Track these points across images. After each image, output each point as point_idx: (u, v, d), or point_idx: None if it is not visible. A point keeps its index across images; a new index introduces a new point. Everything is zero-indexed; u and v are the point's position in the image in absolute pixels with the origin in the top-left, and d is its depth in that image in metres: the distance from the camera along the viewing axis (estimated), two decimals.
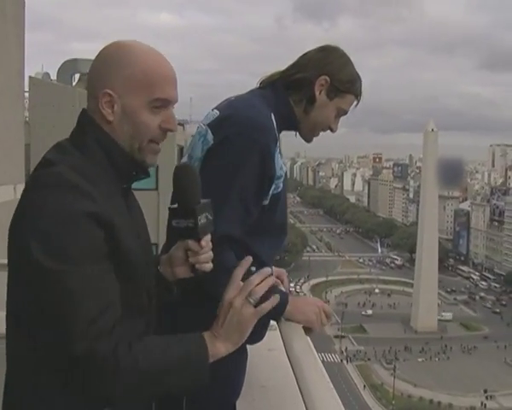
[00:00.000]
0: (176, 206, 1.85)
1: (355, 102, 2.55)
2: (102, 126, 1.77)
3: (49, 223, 1.57)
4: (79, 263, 1.58)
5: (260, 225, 2.34)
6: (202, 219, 1.85)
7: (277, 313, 2.31)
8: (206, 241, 1.89)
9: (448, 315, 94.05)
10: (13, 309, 1.69)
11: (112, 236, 1.65)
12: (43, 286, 1.57)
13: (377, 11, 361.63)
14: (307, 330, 2.30)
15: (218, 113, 2.38)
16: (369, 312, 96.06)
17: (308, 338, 2.22)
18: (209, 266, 1.91)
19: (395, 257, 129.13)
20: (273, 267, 2.82)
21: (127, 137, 1.78)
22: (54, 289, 1.57)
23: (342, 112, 2.53)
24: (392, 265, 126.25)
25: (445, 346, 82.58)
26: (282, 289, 2.46)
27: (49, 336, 1.59)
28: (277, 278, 2.74)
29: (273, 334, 2.35)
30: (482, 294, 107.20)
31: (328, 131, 2.59)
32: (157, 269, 1.99)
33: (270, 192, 2.35)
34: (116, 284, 1.66)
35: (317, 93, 2.48)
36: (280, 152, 2.37)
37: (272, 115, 2.38)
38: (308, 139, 2.60)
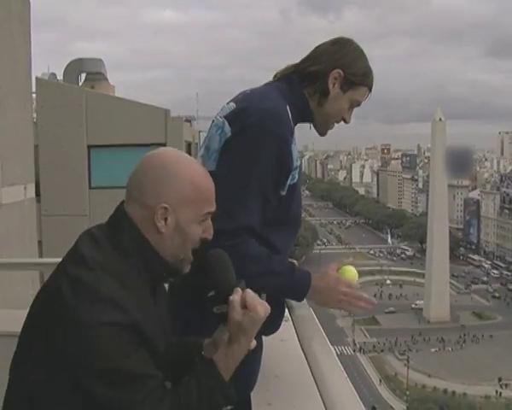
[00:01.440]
0: (213, 294, 1.87)
1: (368, 94, 2.55)
2: (148, 234, 1.83)
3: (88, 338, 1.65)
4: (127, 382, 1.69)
5: (278, 216, 2.36)
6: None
7: (300, 297, 2.35)
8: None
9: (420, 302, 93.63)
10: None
11: (143, 343, 1.73)
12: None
13: (383, 1, 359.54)
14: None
15: (234, 105, 2.41)
16: (419, 302, 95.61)
17: (321, 329, 2.23)
18: (253, 343, 1.89)
19: (406, 248, 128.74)
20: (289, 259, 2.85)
21: (176, 248, 1.85)
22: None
23: (356, 103, 2.55)
24: (403, 256, 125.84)
25: (462, 335, 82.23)
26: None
27: None
28: None
29: (285, 324, 2.35)
30: (494, 283, 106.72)
31: (342, 122, 2.60)
32: (200, 354, 1.99)
33: (288, 183, 2.37)
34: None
35: (330, 86, 2.49)
36: (295, 143, 2.39)
37: (288, 107, 2.40)
38: (322, 132, 2.60)
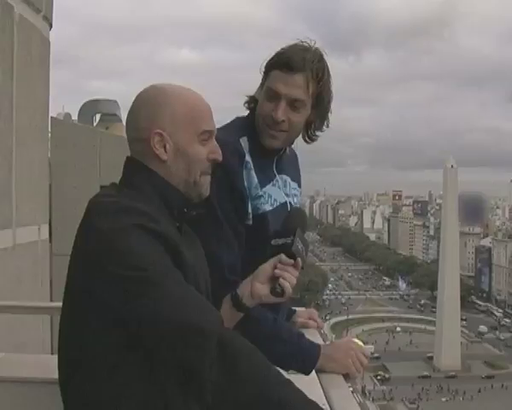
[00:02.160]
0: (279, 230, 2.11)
1: (281, 74, 2.35)
2: (155, 167, 1.82)
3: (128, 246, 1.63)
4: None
5: (254, 251, 2.28)
6: (298, 244, 2.00)
7: (307, 368, 2.23)
8: (298, 263, 1.98)
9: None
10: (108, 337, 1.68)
11: (176, 255, 1.71)
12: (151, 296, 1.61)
13: (407, 43, 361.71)
14: (346, 376, 2.21)
15: None
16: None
17: (347, 385, 2.14)
18: (290, 288, 1.96)
19: (416, 295, 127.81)
20: (301, 309, 2.78)
21: (183, 174, 1.84)
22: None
23: (271, 92, 2.37)
24: (413, 303, 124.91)
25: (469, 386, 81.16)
26: (316, 340, 2.38)
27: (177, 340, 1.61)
28: (309, 318, 2.69)
29: (311, 380, 2.26)
30: (506, 331, 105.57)
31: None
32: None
33: (249, 211, 2.34)
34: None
35: (256, 94, 2.47)
36: (250, 171, 2.36)
37: (245, 138, 2.38)
38: (268, 142, 2.43)
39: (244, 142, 2.39)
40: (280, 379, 1.64)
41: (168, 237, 1.69)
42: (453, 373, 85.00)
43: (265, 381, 1.60)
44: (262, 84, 2.45)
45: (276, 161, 2.52)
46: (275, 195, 2.46)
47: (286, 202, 2.50)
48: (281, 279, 1.95)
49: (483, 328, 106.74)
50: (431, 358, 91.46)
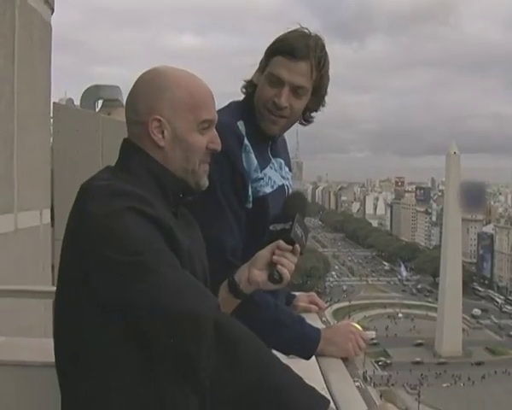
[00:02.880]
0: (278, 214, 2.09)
1: (285, 60, 2.36)
2: (152, 152, 1.80)
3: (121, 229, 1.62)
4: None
5: (253, 233, 2.32)
6: (297, 229, 1.97)
7: (308, 352, 2.24)
8: (296, 249, 1.96)
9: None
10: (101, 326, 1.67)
11: (171, 239, 1.69)
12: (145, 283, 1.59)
13: (411, 29, 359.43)
14: (345, 359, 2.22)
15: None
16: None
17: (346, 370, 2.15)
18: (288, 274, 1.94)
19: (418, 281, 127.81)
20: (302, 293, 2.79)
21: (181, 161, 1.82)
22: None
23: (274, 78, 2.38)
24: (415, 289, 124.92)
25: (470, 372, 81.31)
26: (317, 324, 2.40)
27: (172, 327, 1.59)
28: (311, 302, 2.70)
29: (309, 363, 2.27)
30: (507, 318, 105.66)
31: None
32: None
33: (250, 194, 2.35)
34: None
35: (254, 76, 2.48)
36: (250, 154, 2.38)
37: (242, 122, 2.39)
38: (267, 128, 2.46)
39: (241, 125, 2.41)
40: (278, 365, 1.63)
41: (163, 222, 1.68)
42: (443, 360, 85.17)
43: (264, 367, 1.59)
44: (261, 69, 2.45)
45: (270, 145, 2.54)
46: (273, 177, 2.48)
47: (283, 185, 2.54)
48: (279, 266, 1.94)
49: (476, 311, 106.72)
50: (420, 344, 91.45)
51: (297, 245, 1.97)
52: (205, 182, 1.90)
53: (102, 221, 1.62)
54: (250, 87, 2.51)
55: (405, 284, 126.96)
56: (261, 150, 2.47)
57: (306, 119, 2.57)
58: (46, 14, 5.73)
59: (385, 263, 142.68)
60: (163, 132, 1.79)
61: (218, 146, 1.89)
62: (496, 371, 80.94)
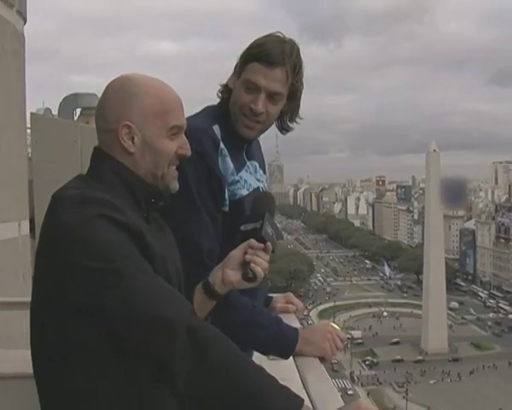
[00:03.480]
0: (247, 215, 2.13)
1: (261, 67, 2.36)
2: (122, 159, 1.81)
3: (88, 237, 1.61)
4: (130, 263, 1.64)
5: (228, 236, 2.29)
6: (268, 228, 2.00)
7: (287, 352, 2.25)
8: (268, 247, 1.98)
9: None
10: (78, 333, 1.66)
11: (143, 245, 1.69)
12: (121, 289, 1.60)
13: (387, 28, 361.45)
14: (322, 359, 2.23)
15: None
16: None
17: (323, 368, 2.16)
18: (262, 272, 1.95)
19: (402, 279, 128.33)
20: (279, 295, 2.80)
21: (150, 167, 1.82)
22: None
23: (250, 84, 2.39)
24: (399, 287, 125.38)
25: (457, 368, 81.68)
26: (294, 324, 2.41)
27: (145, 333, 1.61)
28: (287, 302, 2.72)
29: (286, 363, 2.29)
30: (491, 313, 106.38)
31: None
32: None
33: (227, 197, 2.38)
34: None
35: (229, 81, 2.49)
36: (226, 158, 2.39)
37: (217, 126, 2.40)
38: (243, 132, 2.47)
39: (217, 129, 2.42)
40: (251, 367, 1.64)
41: (134, 228, 1.68)
42: (420, 358, 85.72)
43: (237, 369, 1.60)
44: (237, 74, 2.46)
45: (245, 148, 2.56)
46: (249, 180, 2.51)
47: (258, 188, 2.56)
48: (252, 264, 1.95)
49: (454, 304, 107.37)
50: (418, 341, 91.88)
51: (268, 243, 1.98)
52: (175, 186, 1.90)
53: (74, 229, 1.62)
54: (226, 92, 2.52)
55: (389, 282, 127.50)
56: (236, 154, 2.48)
57: (285, 127, 2.59)
58: (18, 24, 5.71)
59: (368, 262, 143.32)
60: (133, 139, 1.80)
61: (187, 151, 1.89)
62: (484, 366, 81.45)
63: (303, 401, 1.61)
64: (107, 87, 1.86)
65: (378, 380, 79.82)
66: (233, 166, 2.42)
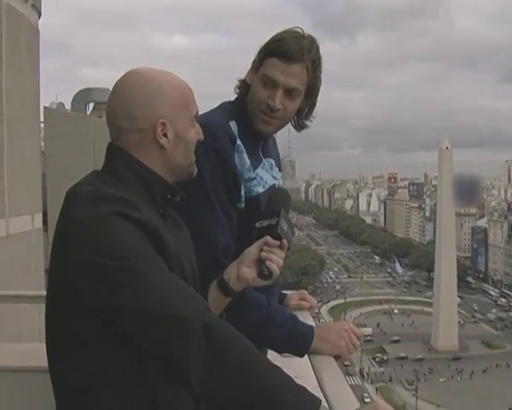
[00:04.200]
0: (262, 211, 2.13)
1: (279, 64, 2.35)
2: (151, 156, 1.82)
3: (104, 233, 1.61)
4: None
5: (244, 232, 2.28)
6: (284, 224, 2.00)
7: (302, 350, 2.24)
8: (284, 244, 1.97)
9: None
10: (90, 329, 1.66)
11: (158, 242, 1.69)
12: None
13: (401, 24, 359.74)
14: (337, 357, 2.22)
15: None
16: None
17: (338, 367, 2.14)
18: (277, 269, 1.95)
19: (413, 276, 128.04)
20: (293, 292, 2.79)
21: (181, 158, 1.86)
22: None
23: (268, 80, 2.37)
24: (410, 284, 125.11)
25: (467, 366, 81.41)
26: (309, 321, 2.39)
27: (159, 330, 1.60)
28: (301, 300, 2.70)
29: (301, 361, 2.27)
30: (502, 311, 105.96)
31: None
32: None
33: (243, 194, 2.36)
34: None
35: (247, 77, 2.47)
36: (242, 154, 2.39)
37: (234, 122, 2.39)
38: (261, 127, 2.46)
39: (234, 125, 2.41)
40: (268, 366, 1.62)
41: (149, 224, 1.67)
42: (421, 356, 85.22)
43: (253, 368, 1.59)
44: (255, 69, 2.44)
45: (261, 145, 2.55)
46: (265, 177, 2.49)
47: (274, 185, 2.54)
48: (267, 262, 1.94)
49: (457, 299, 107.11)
50: (429, 338, 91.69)
51: (284, 240, 1.97)
52: (195, 170, 1.93)
53: (88, 227, 1.62)
54: (243, 87, 2.50)
55: (401, 279, 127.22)
56: (253, 150, 2.47)
57: (301, 124, 2.57)
58: (33, 18, 5.72)
59: (378, 259, 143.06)
60: (166, 134, 1.81)
61: (201, 135, 1.92)
62: (497, 365, 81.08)
63: (320, 401, 1.60)
64: (121, 85, 1.84)
65: (390, 377, 79.56)
66: (249, 162, 2.41)
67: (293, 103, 2.41)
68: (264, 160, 2.54)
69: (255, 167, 2.45)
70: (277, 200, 2.14)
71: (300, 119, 2.55)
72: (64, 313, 1.69)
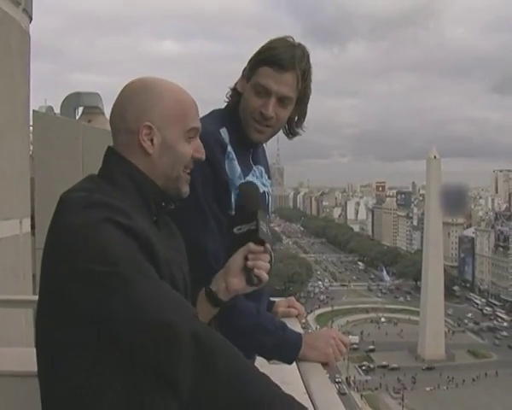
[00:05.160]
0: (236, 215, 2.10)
1: (272, 73, 2.37)
2: (138, 160, 1.82)
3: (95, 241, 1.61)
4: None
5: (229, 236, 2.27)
6: (263, 226, 1.95)
7: (290, 358, 2.25)
8: (267, 248, 1.95)
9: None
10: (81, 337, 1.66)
11: (148, 249, 1.68)
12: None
13: (392, 33, 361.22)
14: (325, 364, 2.23)
15: None
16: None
17: (326, 374, 2.16)
18: (266, 276, 1.94)
19: (400, 285, 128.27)
20: (281, 299, 2.80)
21: (167, 168, 1.84)
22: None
23: (261, 88, 2.40)
24: (397, 293, 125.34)
25: (453, 375, 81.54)
26: (297, 328, 2.40)
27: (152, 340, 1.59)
28: (289, 307, 2.71)
29: (289, 367, 2.28)
30: (488, 321, 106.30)
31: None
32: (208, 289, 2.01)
33: (233, 201, 2.36)
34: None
35: (238, 85, 2.49)
36: (233, 161, 2.40)
37: (225, 129, 2.41)
38: (253, 136, 2.48)
39: (224, 133, 2.42)
40: (257, 375, 1.63)
41: (140, 233, 1.67)
42: (395, 365, 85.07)
43: (242, 377, 1.60)
44: (246, 78, 2.46)
45: (252, 153, 2.57)
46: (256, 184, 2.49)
47: (264, 192, 2.56)
48: (255, 270, 1.94)
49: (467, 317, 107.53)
50: (415, 347, 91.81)
51: (267, 244, 1.96)
52: (186, 190, 1.91)
53: (78, 233, 1.62)
54: (234, 95, 2.52)
55: (387, 288, 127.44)
56: (243, 158, 2.48)
57: (292, 132, 2.60)
58: (24, 22, 5.70)
59: (364, 266, 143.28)
60: (152, 140, 1.82)
61: (202, 155, 1.92)
62: (486, 374, 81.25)
63: (307, 409, 1.61)
64: (125, 88, 1.87)
65: (376, 386, 79.56)
66: (240, 170, 2.42)
67: (284, 111, 2.44)
68: (254, 167, 2.56)
69: (246, 175, 2.46)
70: (249, 198, 2.14)
71: (291, 127, 2.58)
72: (54, 318, 1.69)
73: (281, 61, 2.36)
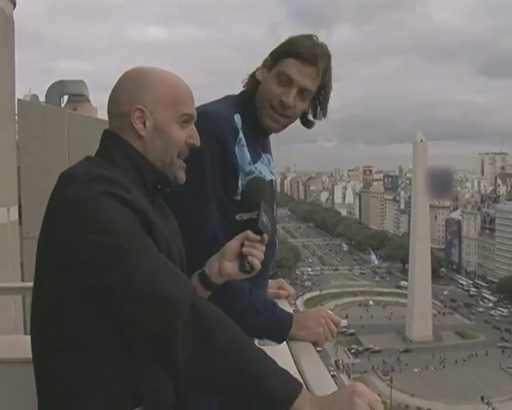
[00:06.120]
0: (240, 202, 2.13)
1: (298, 65, 2.44)
2: (132, 142, 1.84)
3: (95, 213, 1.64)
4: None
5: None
6: (263, 217, 1.98)
7: (281, 337, 2.28)
8: (264, 238, 1.97)
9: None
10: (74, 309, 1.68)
11: (147, 223, 1.72)
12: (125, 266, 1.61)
13: (378, 17, 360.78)
14: (315, 344, 2.25)
15: None
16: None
17: (316, 353, 2.18)
18: (259, 264, 1.97)
19: (388, 268, 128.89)
20: (271, 281, 2.82)
21: (160, 152, 1.86)
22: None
23: (284, 77, 2.45)
24: (386, 276, 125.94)
25: (441, 356, 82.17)
26: (287, 309, 2.42)
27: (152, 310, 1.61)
28: (279, 288, 2.74)
29: (280, 347, 2.31)
30: (475, 302, 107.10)
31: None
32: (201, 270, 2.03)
33: (239, 185, 2.39)
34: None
35: (257, 73, 2.53)
36: (244, 147, 2.43)
37: (238, 115, 2.44)
38: (268, 124, 2.52)
39: (238, 119, 2.46)
40: (253, 349, 1.66)
41: (139, 206, 1.70)
42: (382, 347, 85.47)
43: (239, 350, 1.62)
44: (268, 67, 2.50)
45: (261, 140, 2.61)
46: (263, 172, 2.53)
47: (272, 180, 2.61)
48: (249, 257, 1.97)
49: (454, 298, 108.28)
50: (403, 329, 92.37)
51: (265, 235, 1.99)
52: (182, 176, 1.93)
53: (79, 205, 1.65)
54: (251, 83, 2.56)
55: (376, 271, 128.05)
56: (254, 145, 2.52)
57: (306, 123, 2.65)
58: (8, 8, 5.67)
59: (356, 252, 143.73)
60: (144, 123, 1.84)
61: (196, 141, 1.93)
62: (476, 354, 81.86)
63: (302, 385, 1.62)
64: (122, 75, 1.91)
65: (372, 368, 79.98)
66: (250, 156, 2.46)
67: (302, 103, 2.50)
68: (263, 154, 2.60)
69: (255, 161, 2.49)
70: (255, 191, 2.14)
71: (307, 121, 2.63)
72: (52, 293, 1.71)
73: (305, 55, 2.43)
